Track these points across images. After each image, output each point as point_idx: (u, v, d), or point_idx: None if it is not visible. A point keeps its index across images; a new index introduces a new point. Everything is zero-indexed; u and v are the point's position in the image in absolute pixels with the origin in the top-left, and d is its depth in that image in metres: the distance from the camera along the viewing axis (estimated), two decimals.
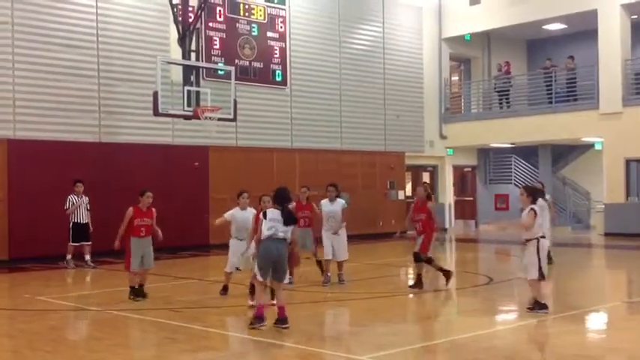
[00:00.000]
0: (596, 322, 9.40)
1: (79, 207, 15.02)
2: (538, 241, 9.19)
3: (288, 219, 8.37)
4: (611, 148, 21.63)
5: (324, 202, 11.97)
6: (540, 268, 9.15)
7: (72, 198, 14.99)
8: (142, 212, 10.50)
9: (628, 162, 21.51)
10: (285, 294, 8.63)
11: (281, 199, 8.54)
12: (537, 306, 9.15)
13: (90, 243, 15.14)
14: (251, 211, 10.22)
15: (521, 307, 9.62)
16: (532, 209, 9.20)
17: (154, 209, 10.62)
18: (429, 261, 11.31)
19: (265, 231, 8.34)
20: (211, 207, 18.71)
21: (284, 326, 8.19)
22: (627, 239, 19.78)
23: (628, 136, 20.88)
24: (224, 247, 10.88)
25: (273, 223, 8.33)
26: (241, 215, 10.42)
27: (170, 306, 9.98)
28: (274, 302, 8.81)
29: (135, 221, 10.41)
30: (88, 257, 15.05)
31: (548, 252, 14.28)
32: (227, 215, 10.62)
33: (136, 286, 10.51)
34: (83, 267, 14.85)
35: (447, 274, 11.41)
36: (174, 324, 8.81)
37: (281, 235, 8.31)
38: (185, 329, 8.52)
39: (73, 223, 14.99)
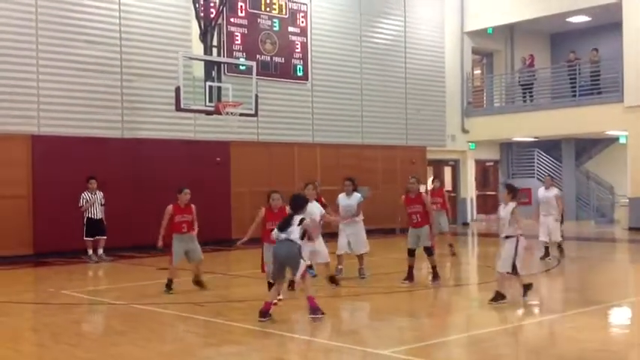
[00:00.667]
0: (619, 317, 9.30)
1: (93, 204, 15.22)
2: (517, 239, 9.30)
3: (282, 225, 8.49)
4: (635, 142, 21.35)
5: (341, 196, 11.92)
6: (514, 264, 9.28)
7: (86, 195, 15.23)
8: (181, 209, 10.73)
9: None
10: (309, 287, 8.67)
11: (292, 206, 8.71)
12: (499, 297, 9.29)
13: (105, 237, 15.34)
14: (316, 205, 10.45)
15: (543, 301, 9.56)
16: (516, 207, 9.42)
17: (192, 205, 10.85)
18: (431, 253, 11.21)
19: (272, 236, 8.63)
20: (233, 202, 18.82)
21: (317, 315, 8.30)
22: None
23: None
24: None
25: (276, 227, 8.59)
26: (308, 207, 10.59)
27: (194, 300, 10.04)
28: (277, 301, 8.88)
29: (175, 218, 10.65)
30: (101, 251, 15.26)
31: (560, 244, 14.21)
32: None
33: (173, 279, 10.70)
34: (99, 261, 15.04)
35: (437, 275, 11.27)
36: (197, 318, 8.88)
37: (283, 236, 8.41)
38: (209, 323, 8.58)
39: (87, 218, 15.24)
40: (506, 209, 9.41)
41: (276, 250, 8.48)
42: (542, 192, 14.33)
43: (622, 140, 22.72)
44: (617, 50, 22.02)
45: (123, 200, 16.56)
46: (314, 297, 8.53)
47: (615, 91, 21.94)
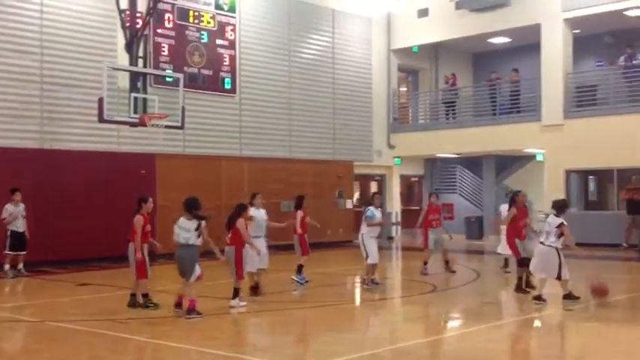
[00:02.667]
0: (535, 329, 9.61)
1: (17, 217, 14.68)
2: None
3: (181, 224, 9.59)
4: (551, 160, 22.17)
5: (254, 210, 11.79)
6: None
7: (9, 207, 14.66)
8: (146, 218, 10.52)
9: (568, 173, 22.07)
10: (193, 291, 9.60)
11: (185, 207, 9.64)
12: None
13: (25, 252, 14.82)
14: (264, 211, 11.78)
15: (464, 314, 9.75)
16: None
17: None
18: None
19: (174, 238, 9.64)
20: (159, 215, 18.47)
21: (192, 316, 9.37)
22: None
23: (568, 147, 21.44)
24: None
25: (177, 230, 9.57)
26: (257, 214, 11.63)
27: (114, 317, 9.80)
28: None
29: (146, 227, 10.42)
30: (21, 266, 14.76)
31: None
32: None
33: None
34: (16, 276, 14.51)
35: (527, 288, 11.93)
36: (118, 335, 8.66)
37: (182, 241, 9.50)
38: (129, 341, 8.39)
39: (12, 231, 14.67)
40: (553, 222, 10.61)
41: (177, 253, 9.55)
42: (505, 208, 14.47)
43: (539, 158, 23.56)
44: (535, 71, 22.88)
45: (42, 214, 15.99)
46: (196, 300, 9.47)
47: (533, 111, 22.75)
